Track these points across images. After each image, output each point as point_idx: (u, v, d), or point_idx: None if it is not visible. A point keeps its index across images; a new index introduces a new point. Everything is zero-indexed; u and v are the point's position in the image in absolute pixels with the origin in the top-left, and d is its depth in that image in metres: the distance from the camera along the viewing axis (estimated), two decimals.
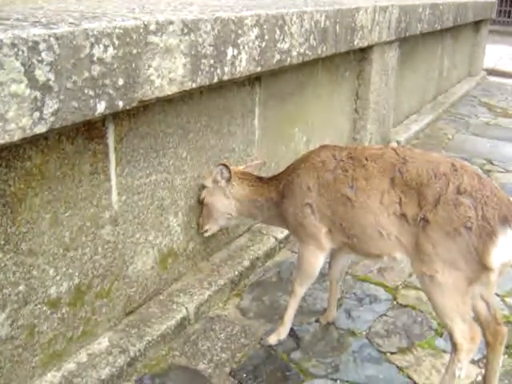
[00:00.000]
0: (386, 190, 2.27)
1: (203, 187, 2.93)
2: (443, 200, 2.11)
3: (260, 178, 2.85)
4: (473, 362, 2.62)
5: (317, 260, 2.59)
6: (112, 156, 2.38)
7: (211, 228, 3.00)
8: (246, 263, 3.28)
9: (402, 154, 2.32)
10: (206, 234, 3.04)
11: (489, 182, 2.15)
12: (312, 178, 2.49)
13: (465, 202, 2.07)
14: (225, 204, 2.86)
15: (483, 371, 2.46)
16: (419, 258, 2.21)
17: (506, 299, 3.20)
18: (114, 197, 2.44)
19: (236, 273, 3.18)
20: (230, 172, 2.77)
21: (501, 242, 2.02)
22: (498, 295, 3.22)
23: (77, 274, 2.33)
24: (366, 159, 2.36)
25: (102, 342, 2.51)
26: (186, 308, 2.81)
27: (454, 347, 2.20)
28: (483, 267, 2.07)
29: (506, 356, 2.70)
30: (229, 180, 2.79)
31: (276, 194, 2.69)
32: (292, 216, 2.59)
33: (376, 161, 2.34)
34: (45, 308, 2.21)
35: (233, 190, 2.81)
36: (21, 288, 2.08)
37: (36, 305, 2.17)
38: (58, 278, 2.24)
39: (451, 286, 2.13)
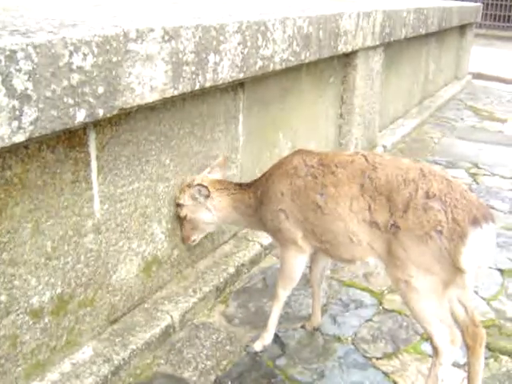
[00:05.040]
0: (355, 197, 2.28)
1: (179, 205, 2.91)
2: (413, 205, 2.13)
3: (239, 185, 2.87)
4: (458, 366, 2.63)
5: (298, 263, 2.60)
6: (94, 164, 2.36)
7: (198, 237, 3.04)
8: (232, 270, 3.27)
9: (371, 160, 2.32)
10: (194, 244, 3.08)
11: (458, 186, 2.17)
12: (285, 184, 2.51)
13: (434, 206, 2.09)
14: (208, 216, 2.88)
15: None
16: (393, 264, 2.22)
17: (492, 303, 3.21)
18: (97, 205, 2.42)
19: (221, 280, 3.16)
20: (208, 190, 2.78)
21: (472, 243, 2.03)
22: (483, 299, 3.24)
23: (59, 283, 2.31)
24: (336, 166, 2.37)
25: (86, 352, 2.49)
26: (171, 316, 2.79)
27: (435, 351, 2.22)
28: (457, 269, 2.08)
29: (492, 360, 2.71)
30: (208, 196, 2.80)
31: (255, 200, 2.72)
32: (269, 221, 2.61)
33: (345, 167, 2.34)
34: (27, 318, 2.19)
35: (214, 202, 2.82)
36: (2, 298, 2.06)
37: (18, 315, 2.15)
38: (40, 287, 2.22)
39: (427, 290, 2.15)
